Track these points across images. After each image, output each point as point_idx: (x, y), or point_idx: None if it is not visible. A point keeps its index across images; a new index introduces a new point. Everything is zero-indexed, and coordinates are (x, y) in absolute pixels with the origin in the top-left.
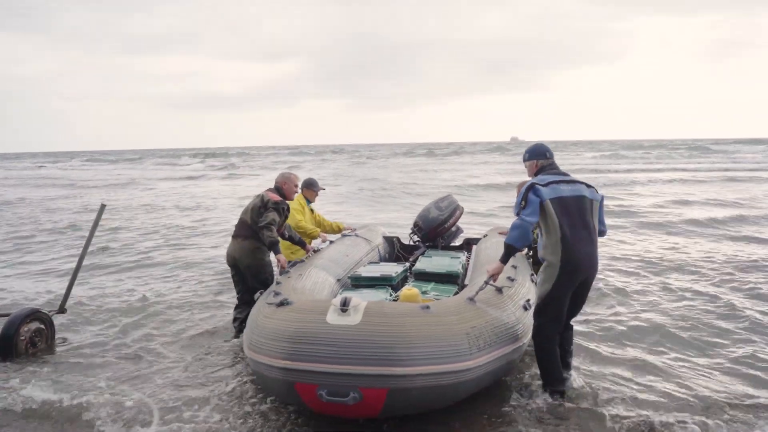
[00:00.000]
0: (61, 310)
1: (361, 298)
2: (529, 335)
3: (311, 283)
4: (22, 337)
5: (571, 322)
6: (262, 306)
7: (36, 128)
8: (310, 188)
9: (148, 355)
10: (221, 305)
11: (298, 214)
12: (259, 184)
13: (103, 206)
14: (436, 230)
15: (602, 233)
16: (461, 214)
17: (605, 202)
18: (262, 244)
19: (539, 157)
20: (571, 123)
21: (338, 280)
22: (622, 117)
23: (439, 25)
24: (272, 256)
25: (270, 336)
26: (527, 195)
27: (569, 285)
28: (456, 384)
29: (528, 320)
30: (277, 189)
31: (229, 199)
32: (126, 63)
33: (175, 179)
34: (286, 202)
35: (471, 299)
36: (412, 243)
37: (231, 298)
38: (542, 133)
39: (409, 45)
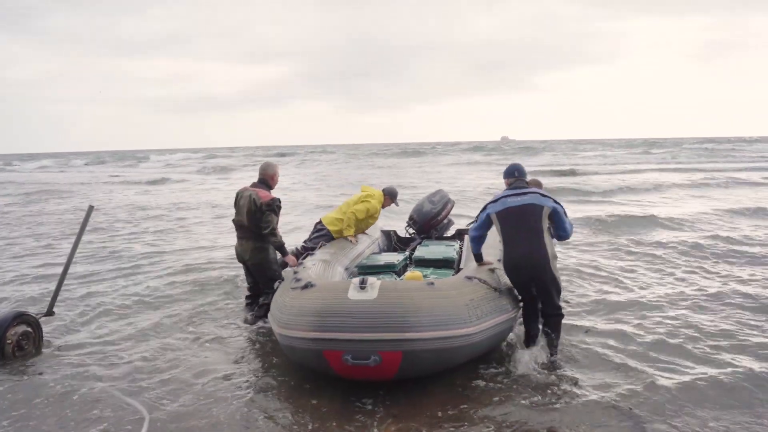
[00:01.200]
0: (49, 312)
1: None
2: (519, 307)
3: (323, 271)
4: (9, 341)
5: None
6: (287, 291)
7: (29, 130)
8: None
9: (140, 357)
10: (207, 309)
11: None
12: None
13: (91, 207)
14: (430, 222)
15: (561, 237)
16: (452, 207)
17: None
18: (264, 243)
19: (509, 176)
20: (561, 122)
21: (346, 269)
22: (613, 117)
23: (431, 27)
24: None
25: (299, 313)
26: (480, 214)
27: (516, 280)
28: (460, 347)
29: (515, 293)
30: (263, 182)
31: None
32: (117, 66)
33: (132, 183)
34: (279, 198)
35: (468, 277)
36: (408, 235)
37: (216, 300)
38: (532, 132)
39: (401, 47)
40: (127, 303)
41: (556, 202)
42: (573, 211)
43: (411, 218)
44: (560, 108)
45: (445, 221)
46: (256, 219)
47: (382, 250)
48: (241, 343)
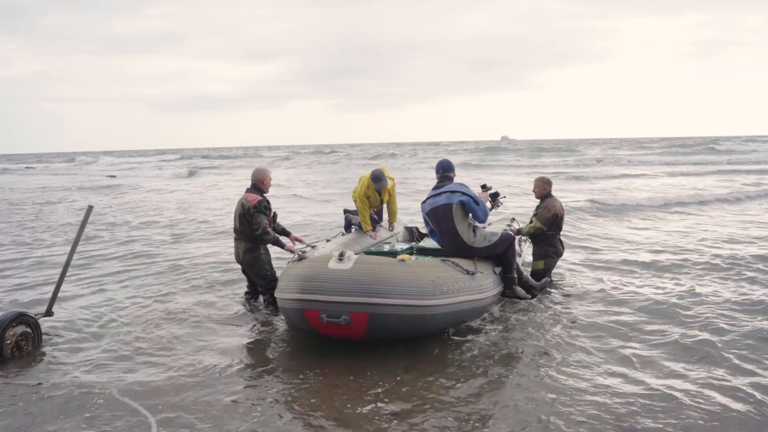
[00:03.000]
0: (48, 313)
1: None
2: (497, 290)
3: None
4: (8, 341)
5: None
6: (289, 264)
7: (23, 130)
8: (377, 184)
9: (138, 356)
10: (206, 309)
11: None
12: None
13: (90, 207)
14: None
15: (479, 221)
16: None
17: None
18: (254, 244)
19: (436, 173)
20: (562, 121)
21: (356, 254)
22: (610, 115)
23: (427, 25)
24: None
25: (290, 279)
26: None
27: None
28: (422, 316)
29: (495, 279)
30: (255, 186)
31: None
32: (110, 64)
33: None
34: (266, 198)
35: (443, 260)
36: (419, 232)
37: (215, 300)
38: (532, 131)
39: (396, 45)
40: (127, 304)
41: (465, 194)
42: None
43: (496, 195)
44: (560, 106)
45: None
46: (246, 221)
47: None
48: (243, 341)
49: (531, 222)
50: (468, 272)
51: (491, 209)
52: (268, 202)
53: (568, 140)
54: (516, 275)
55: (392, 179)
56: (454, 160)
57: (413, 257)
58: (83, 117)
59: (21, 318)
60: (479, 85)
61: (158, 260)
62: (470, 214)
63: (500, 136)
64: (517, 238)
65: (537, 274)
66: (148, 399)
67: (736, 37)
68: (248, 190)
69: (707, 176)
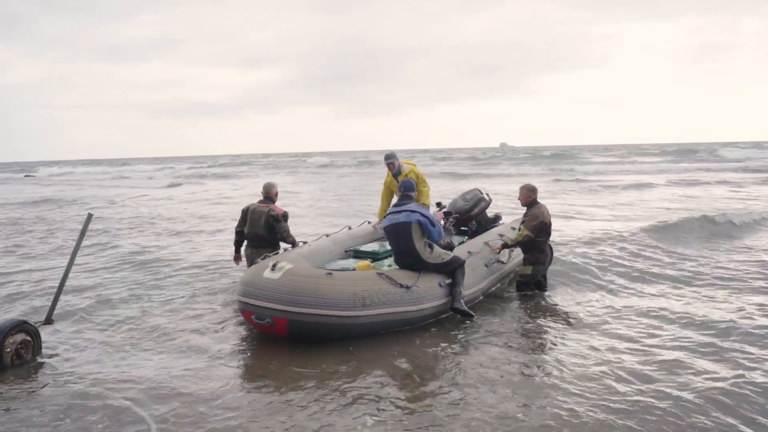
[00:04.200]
0: (48, 321)
1: (346, 264)
2: (441, 301)
3: (315, 250)
4: (8, 350)
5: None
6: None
7: (20, 137)
8: (386, 161)
9: (139, 363)
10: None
11: (383, 203)
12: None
13: (90, 215)
14: (463, 218)
15: (433, 241)
16: (487, 204)
17: None
18: (274, 249)
19: (398, 191)
20: (560, 127)
21: (346, 251)
22: (609, 121)
23: (424, 30)
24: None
25: (239, 283)
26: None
27: None
28: (341, 324)
29: (441, 292)
30: (268, 198)
31: None
32: (106, 71)
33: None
34: (286, 211)
35: (379, 274)
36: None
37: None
38: (531, 138)
39: (393, 51)
40: (128, 309)
41: (423, 215)
42: None
43: (449, 213)
44: (559, 112)
45: (484, 216)
46: (271, 227)
47: None
48: (244, 345)
49: (519, 230)
50: (402, 286)
51: (444, 227)
52: (288, 213)
53: (571, 146)
54: (461, 290)
55: (413, 164)
56: (445, 167)
57: (387, 264)
58: (80, 125)
59: (21, 326)
60: (477, 90)
61: (157, 266)
62: (426, 235)
63: (499, 142)
64: (501, 251)
65: (524, 279)
66: (148, 405)
67: (735, 38)
68: (264, 202)
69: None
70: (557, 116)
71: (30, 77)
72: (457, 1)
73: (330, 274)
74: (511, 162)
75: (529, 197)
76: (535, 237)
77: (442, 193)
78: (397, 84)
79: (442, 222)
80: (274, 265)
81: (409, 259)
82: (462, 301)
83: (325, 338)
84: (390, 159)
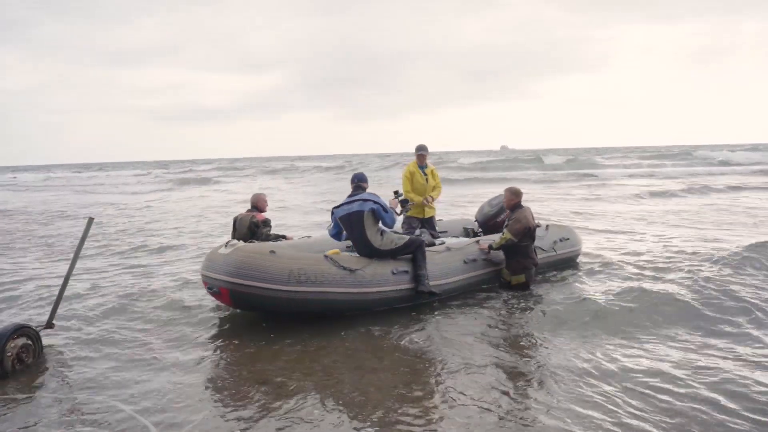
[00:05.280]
0: (49, 325)
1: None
2: (379, 289)
3: (313, 243)
4: (9, 354)
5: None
6: None
7: (21, 141)
8: (417, 152)
9: (142, 368)
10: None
11: (405, 184)
12: None
13: (91, 219)
14: (488, 223)
15: (387, 226)
16: None
17: None
18: None
19: (351, 183)
20: (560, 130)
21: (348, 247)
22: (609, 123)
23: (424, 34)
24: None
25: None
26: (332, 217)
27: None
28: (274, 297)
29: (395, 278)
30: (256, 207)
31: None
32: (108, 76)
33: None
34: (268, 218)
35: (327, 257)
36: (474, 232)
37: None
38: (532, 140)
39: (394, 55)
40: (129, 314)
41: (376, 202)
42: None
43: (475, 218)
44: (559, 114)
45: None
46: (253, 233)
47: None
48: (248, 350)
49: (503, 234)
50: (346, 269)
51: (400, 213)
52: (270, 220)
53: (573, 149)
54: (425, 272)
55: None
56: (449, 173)
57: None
58: (82, 129)
59: (22, 330)
60: (477, 93)
61: (155, 273)
62: (380, 221)
63: (500, 145)
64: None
65: (520, 288)
66: (149, 411)
67: (735, 41)
68: (249, 210)
69: None
70: (558, 118)
71: (30, 81)
72: (457, 4)
73: (273, 252)
74: (537, 167)
75: (512, 201)
76: (519, 241)
77: (465, 198)
78: (398, 87)
79: (399, 209)
80: (227, 243)
81: (363, 247)
82: (426, 282)
83: (263, 310)
84: (421, 151)
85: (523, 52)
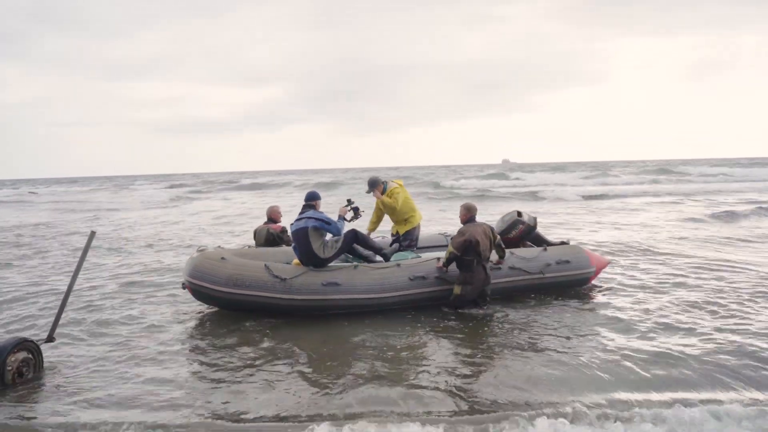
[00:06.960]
0: (50, 339)
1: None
2: (305, 297)
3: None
4: (9, 368)
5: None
6: None
7: (23, 155)
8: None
9: (144, 380)
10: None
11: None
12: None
13: (92, 233)
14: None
15: (335, 235)
16: (525, 227)
17: None
18: None
19: (305, 201)
20: (561, 144)
21: (214, 249)
22: (610, 137)
23: (425, 48)
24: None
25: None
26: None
27: None
28: (217, 297)
29: (315, 290)
30: (271, 220)
31: None
32: (108, 89)
33: None
34: (284, 227)
35: (267, 265)
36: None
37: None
38: (534, 154)
39: (393, 68)
40: (130, 326)
41: (317, 219)
42: None
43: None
44: (561, 128)
45: (530, 235)
46: (270, 243)
47: None
48: (251, 356)
49: (448, 247)
50: (278, 277)
51: (351, 219)
52: (286, 229)
53: (576, 162)
54: (369, 253)
55: (398, 183)
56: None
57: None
58: (84, 142)
59: (22, 344)
60: (478, 107)
61: (153, 284)
62: (327, 234)
63: (501, 159)
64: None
65: (453, 298)
66: (152, 424)
67: (734, 52)
68: (266, 222)
69: None
70: (560, 132)
71: (32, 95)
72: (457, 19)
73: (224, 258)
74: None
75: (465, 215)
76: (462, 255)
77: (488, 211)
78: (399, 100)
79: (350, 215)
80: (199, 248)
81: (310, 258)
82: (373, 258)
83: (214, 305)
84: (372, 187)
85: (525, 66)
